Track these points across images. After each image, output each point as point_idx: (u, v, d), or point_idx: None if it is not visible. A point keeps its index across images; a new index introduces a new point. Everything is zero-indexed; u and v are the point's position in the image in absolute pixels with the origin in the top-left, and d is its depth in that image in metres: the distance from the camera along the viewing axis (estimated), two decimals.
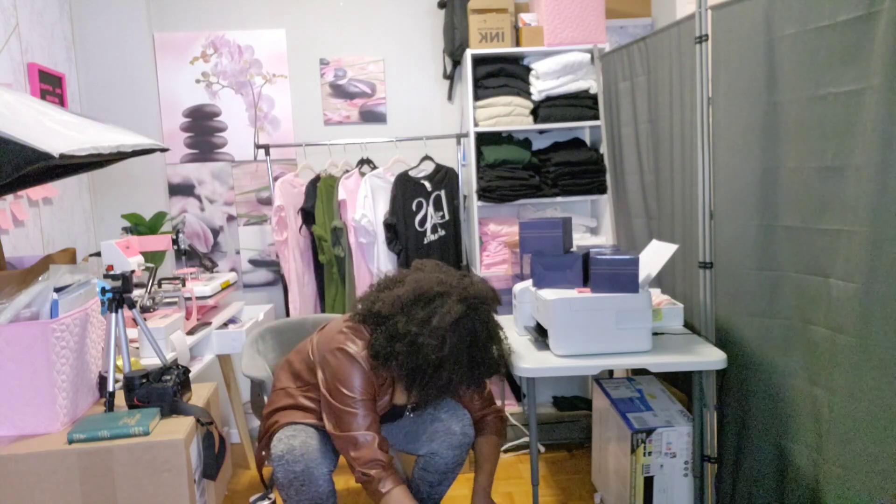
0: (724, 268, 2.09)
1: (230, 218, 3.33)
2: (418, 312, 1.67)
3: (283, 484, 1.75)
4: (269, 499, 2.46)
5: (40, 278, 1.64)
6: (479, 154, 3.07)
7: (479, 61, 3.04)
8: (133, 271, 1.88)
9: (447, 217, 3.15)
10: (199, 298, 2.51)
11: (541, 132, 3.33)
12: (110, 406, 1.67)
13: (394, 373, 1.73)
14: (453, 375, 1.67)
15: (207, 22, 3.22)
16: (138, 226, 2.86)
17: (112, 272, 1.84)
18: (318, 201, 3.03)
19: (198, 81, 3.24)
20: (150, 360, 2.10)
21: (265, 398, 2.10)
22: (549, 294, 2.01)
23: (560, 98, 3.00)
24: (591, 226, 3.25)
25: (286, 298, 3.09)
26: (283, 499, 1.80)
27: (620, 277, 1.96)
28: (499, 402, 3.17)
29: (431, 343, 1.63)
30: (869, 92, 1.59)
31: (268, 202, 3.28)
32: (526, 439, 2.99)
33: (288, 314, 3.09)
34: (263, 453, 1.92)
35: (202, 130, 3.27)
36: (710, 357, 1.95)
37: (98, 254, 2.44)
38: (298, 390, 1.90)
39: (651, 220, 2.61)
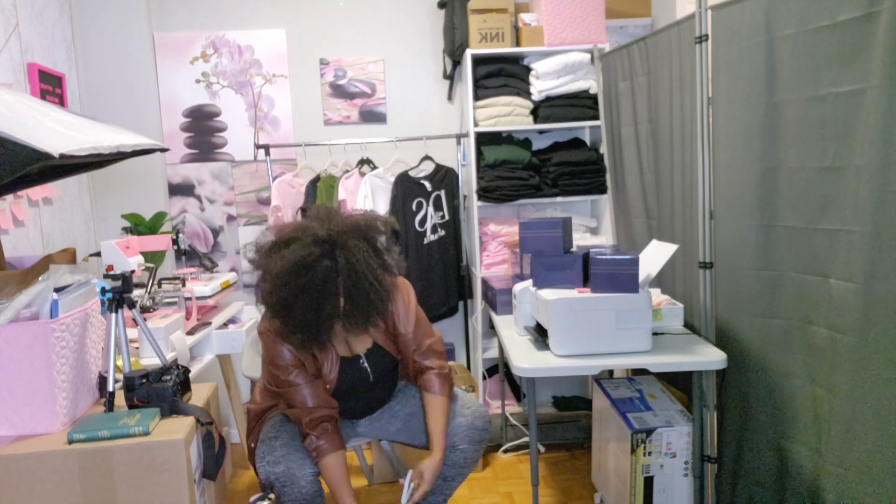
0: (724, 268, 2.09)
1: (230, 218, 3.33)
2: (265, 260, 1.67)
3: (265, 485, 1.76)
4: (269, 499, 2.46)
5: (40, 278, 1.64)
6: (479, 154, 3.07)
7: (478, 61, 3.04)
8: (133, 271, 1.88)
9: (447, 217, 3.15)
10: (199, 298, 2.51)
11: (541, 132, 3.33)
12: (110, 406, 1.67)
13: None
14: (308, 315, 1.64)
15: (207, 22, 3.22)
16: (138, 226, 2.86)
17: (112, 272, 1.84)
18: (318, 201, 3.04)
19: (198, 81, 3.24)
20: (150, 360, 2.10)
21: None
22: (549, 294, 2.01)
23: (560, 98, 3.00)
24: (591, 226, 3.25)
25: None
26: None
27: (620, 277, 1.96)
28: (498, 403, 3.17)
29: (267, 288, 1.64)
30: (869, 92, 1.59)
31: (268, 202, 3.28)
32: (526, 439, 2.99)
33: None
34: (253, 445, 1.95)
35: (202, 130, 3.27)
36: (710, 357, 1.95)
37: (98, 254, 2.44)
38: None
39: (651, 220, 2.61)
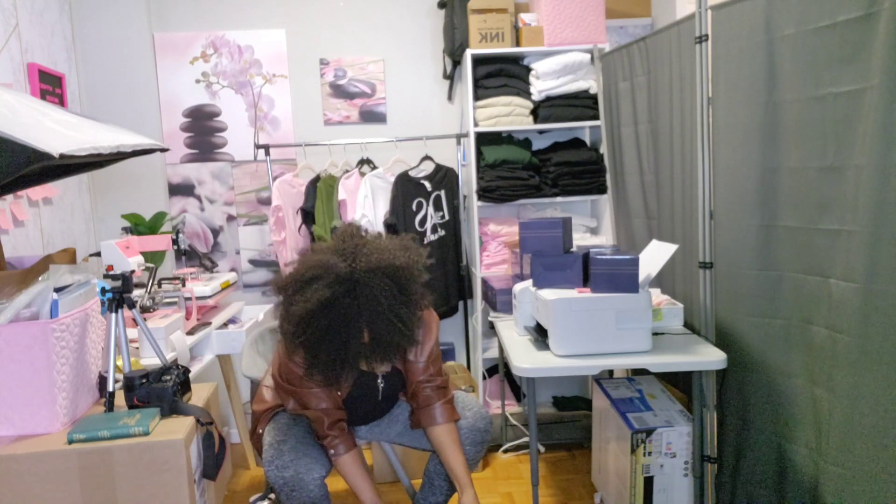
0: (724, 268, 2.09)
1: (230, 218, 3.33)
2: (287, 296, 1.60)
3: (274, 488, 1.77)
4: (269, 499, 2.46)
5: (40, 278, 1.64)
6: (479, 154, 3.07)
7: (478, 61, 3.04)
8: (133, 271, 1.88)
9: (447, 217, 3.15)
10: (199, 298, 2.51)
11: (541, 132, 3.33)
12: (110, 406, 1.67)
13: None
14: (333, 356, 1.59)
15: (207, 22, 3.22)
16: (138, 226, 2.86)
17: (112, 272, 1.84)
18: (318, 201, 3.03)
19: (198, 81, 3.24)
20: (150, 360, 2.10)
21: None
22: (549, 294, 2.01)
23: (560, 98, 3.00)
24: (591, 226, 3.25)
25: None
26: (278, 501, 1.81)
27: (620, 277, 1.96)
28: (498, 403, 3.17)
29: (290, 329, 1.58)
30: (869, 92, 1.59)
31: (268, 202, 3.28)
32: (526, 439, 2.99)
33: None
34: (260, 430, 1.96)
35: (202, 130, 3.26)
36: (710, 357, 1.95)
37: (98, 254, 2.44)
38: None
39: (651, 220, 2.61)
